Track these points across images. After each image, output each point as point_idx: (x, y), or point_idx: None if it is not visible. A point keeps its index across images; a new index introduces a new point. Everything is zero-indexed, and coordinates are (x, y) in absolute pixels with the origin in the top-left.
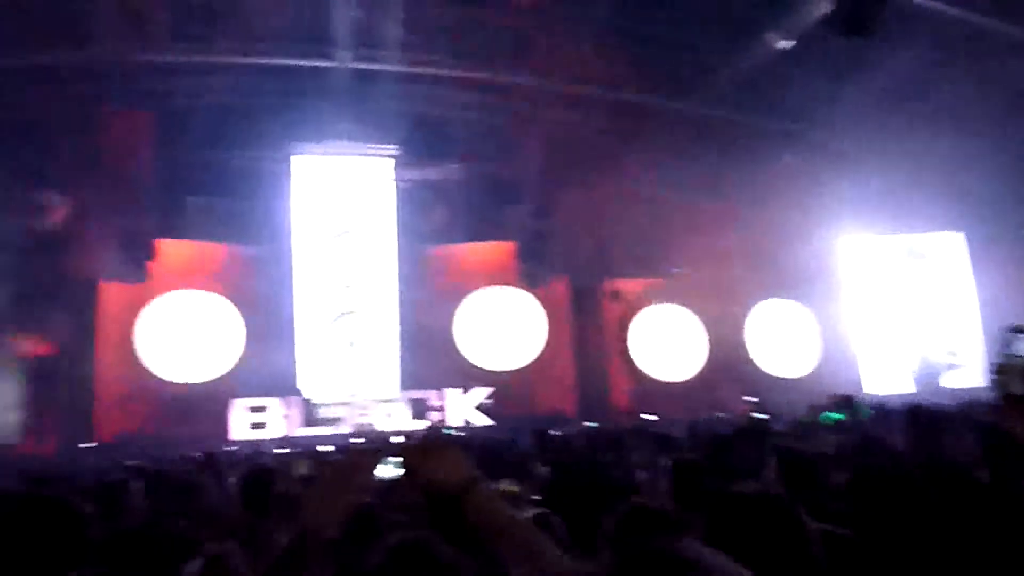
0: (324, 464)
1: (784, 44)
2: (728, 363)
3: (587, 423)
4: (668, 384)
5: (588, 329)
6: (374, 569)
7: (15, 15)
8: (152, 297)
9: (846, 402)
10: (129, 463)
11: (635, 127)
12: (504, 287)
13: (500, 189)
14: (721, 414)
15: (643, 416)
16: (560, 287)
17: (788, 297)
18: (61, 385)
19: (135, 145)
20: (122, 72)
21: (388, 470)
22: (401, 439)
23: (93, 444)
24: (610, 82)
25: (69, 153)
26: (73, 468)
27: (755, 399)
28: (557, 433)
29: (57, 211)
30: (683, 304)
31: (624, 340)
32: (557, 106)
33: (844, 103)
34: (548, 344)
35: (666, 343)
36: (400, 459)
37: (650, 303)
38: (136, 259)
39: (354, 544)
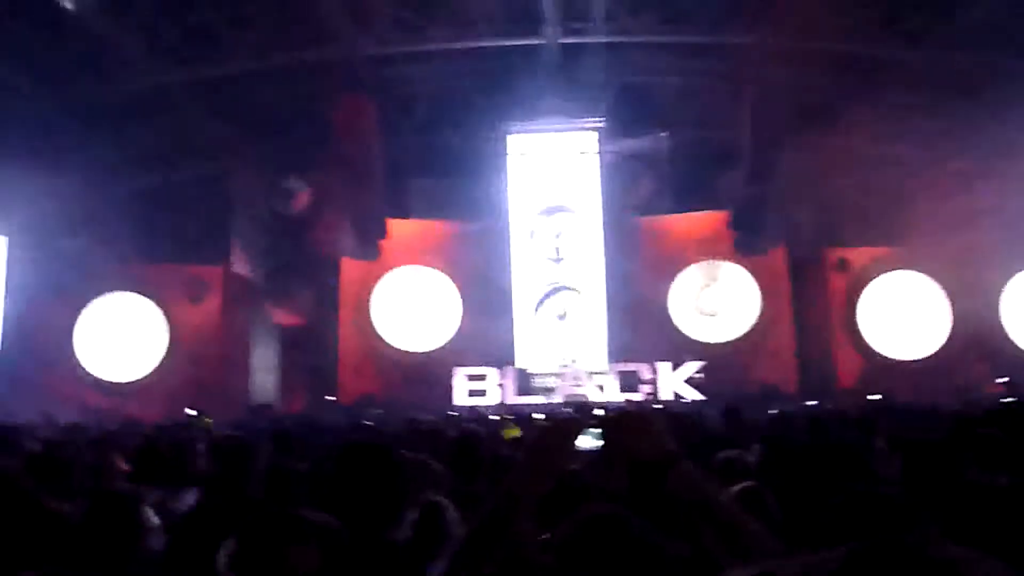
0: (531, 429)
1: None
2: (977, 339)
3: (808, 401)
4: (903, 362)
5: (810, 300)
6: (566, 539)
7: (261, 26)
8: (384, 272)
9: None
10: (365, 423)
11: (862, 80)
12: (717, 258)
13: (711, 155)
14: (967, 397)
15: (872, 396)
16: (778, 256)
17: None
18: (309, 351)
19: (365, 133)
20: (351, 66)
21: (590, 440)
22: (602, 411)
23: (334, 401)
24: (832, 32)
25: (309, 144)
26: (321, 425)
27: (1008, 380)
28: (773, 412)
29: (302, 196)
30: (922, 273)
31: (852, 312)
32: (773, 63)
33: None
34: (764, 317)
35: (902, 316)
36: (600, 430)
37: (882, 272)
38: (370, 238)
39: (557, 510)
